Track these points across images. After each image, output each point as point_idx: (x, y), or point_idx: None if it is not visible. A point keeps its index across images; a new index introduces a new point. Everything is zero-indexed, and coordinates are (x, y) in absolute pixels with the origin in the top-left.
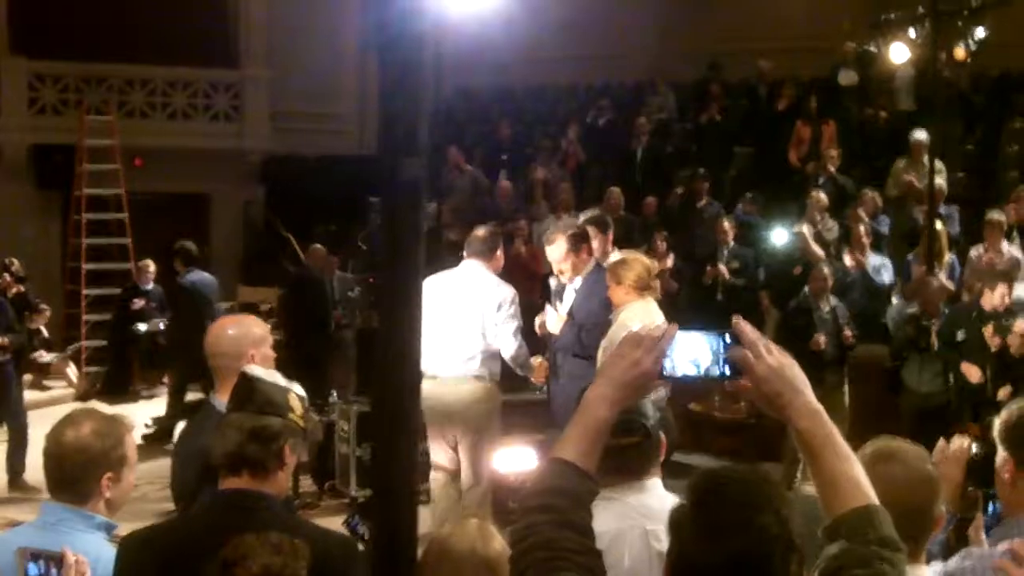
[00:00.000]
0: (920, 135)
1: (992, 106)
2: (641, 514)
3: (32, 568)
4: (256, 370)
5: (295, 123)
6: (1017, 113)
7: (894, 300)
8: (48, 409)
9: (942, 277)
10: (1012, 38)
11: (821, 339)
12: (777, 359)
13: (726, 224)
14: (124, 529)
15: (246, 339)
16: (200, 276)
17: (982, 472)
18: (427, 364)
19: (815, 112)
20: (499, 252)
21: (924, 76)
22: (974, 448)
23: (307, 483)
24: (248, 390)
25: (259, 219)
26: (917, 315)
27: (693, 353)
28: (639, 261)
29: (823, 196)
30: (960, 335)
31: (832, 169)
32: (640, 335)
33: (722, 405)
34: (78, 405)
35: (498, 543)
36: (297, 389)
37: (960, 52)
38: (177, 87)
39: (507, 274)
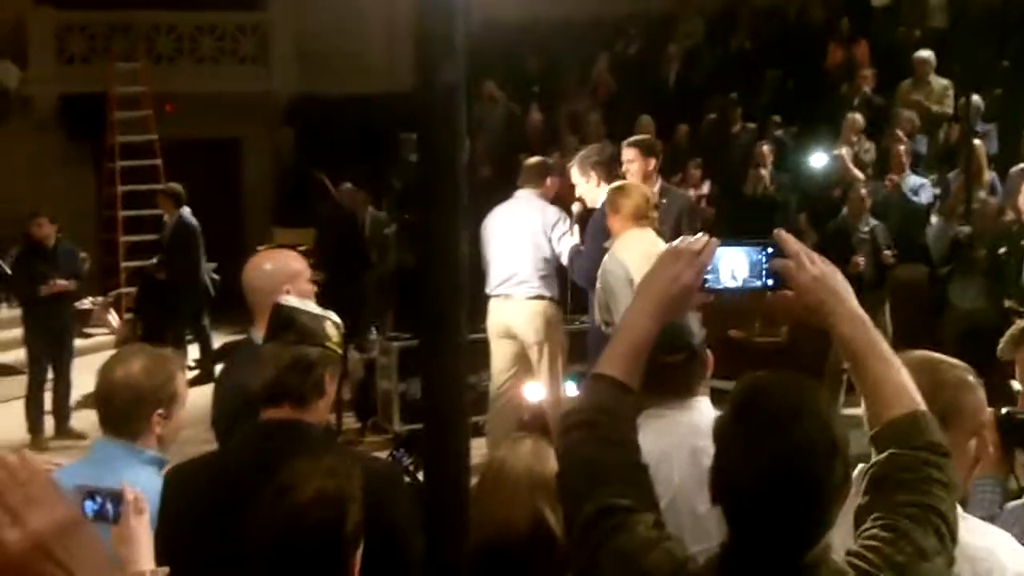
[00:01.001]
0: (925, 53)
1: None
2: (689, 431)
3: (89, 505)
4: (290, 300)
5: (323, 63)
6: None
7: (932, 220)
8: (90, 357)
9: (982, 195)
10: None
11: (860, 260)
12: (820, 268)
13: (764, 148)
14: None
15: (280, 274)
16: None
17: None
18: (496, 286)
19: (847, 33)
20: (549, 180)
21: None
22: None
23: (349, 420)
24: (283, 320)
25: (290, 161)
26: (963, 235)
27: (734, 266)
28: (637, 190)
29: (859, 118)
30: (1003, 251)
31: (867, 90)
32: (680, 248)
33: (762, 331)
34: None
35: (554, 462)
36: (332, 316)
37: None
38: (203, 31)
39: None
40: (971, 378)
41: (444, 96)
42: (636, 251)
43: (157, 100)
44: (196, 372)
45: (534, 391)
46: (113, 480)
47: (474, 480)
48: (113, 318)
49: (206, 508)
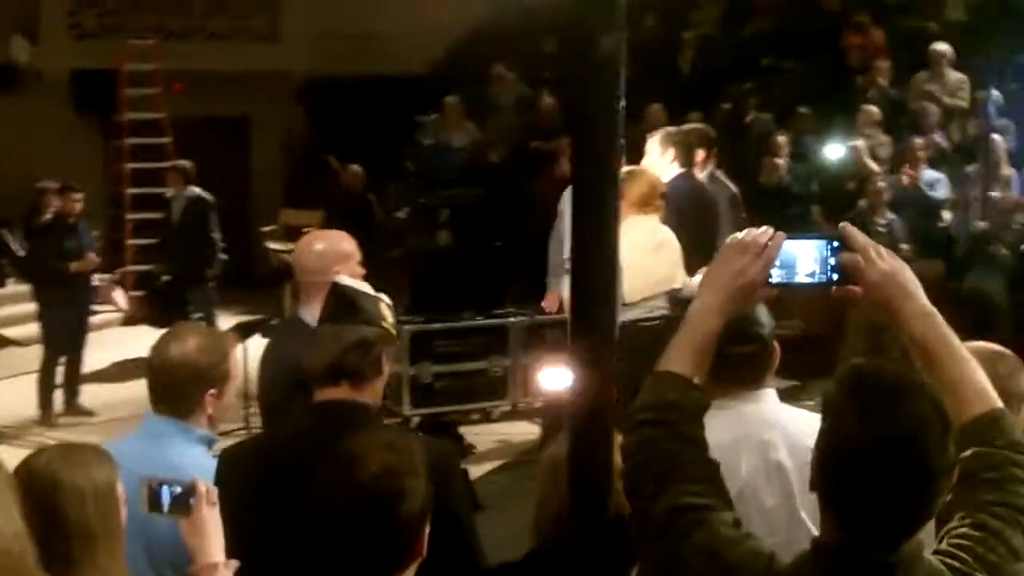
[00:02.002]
0: (941, 46)
1: None
2: (757, 423)
3: (165, 494)
4: (346, 280)
5: (337, 43)
6: None
7: (946, 216)
8: (97, 333)
9: (995, 193)
10: None
11: None
12: (889, 263)
13: (780, 138)
14: None
15: (330, 255)
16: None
17: None
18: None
19: (863, 24)
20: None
21: None
22: None
23: None
24: (341, 300)
25: (300, 141)
26: (980, 230)
27: (799, 260)
28: (645, 176)
29: (874, 110)
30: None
31: (883, 82)
32: (746, 242)
33: (777, 323)
34: (126, 329)
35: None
36: (385, 298)
37: None
38: (216, 8)
39: (552, 196)
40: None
41: (603, 73)
42: (633, 238)
43: (168, 78)
44: None
45: (554, 377)
46: (163, 457)
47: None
48: (119, 296)
49: (264, 488)
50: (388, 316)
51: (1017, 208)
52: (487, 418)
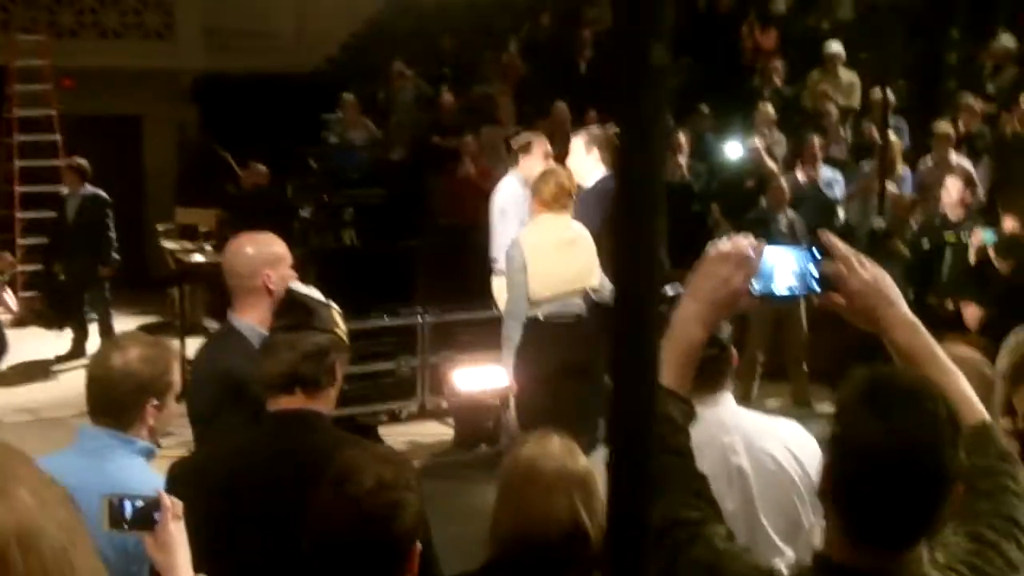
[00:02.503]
0: (835, 47)
1: (930, 15)
2: (717, 427)
3: (127, 509)
4: (298, 286)
5: (230, 40)
6: (954, 23)
7: (840, 214)
8: None
9: (892, 188)
10: None
11: None
12: (871, 272)
13: (681, 136)
14: None
15: (259, 259)
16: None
17: None
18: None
19: (756, 24)
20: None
21: None
22: None
23: None
24: (294, 307)
25: (194, 140)
26: (879, 227)
27: (779, 269)
28: (556, 176)
29: (770, 109)
30: (925, 243)
31: (777, 81)
32: (727, 252)
33: None
34: (17, 332)
35: (583, 459)
36: (333, 304)
37: None
38: (107, 4)
39: (456, 195)
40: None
41: (655, 81)
42: (540, 237)
43: (58, 74)
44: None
45: (467, 377)
46: (103, 471)
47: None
48: (8, 297)
49: (224, 501)
50: (340, 322)
51: (913, 205)
52: (396, 418)
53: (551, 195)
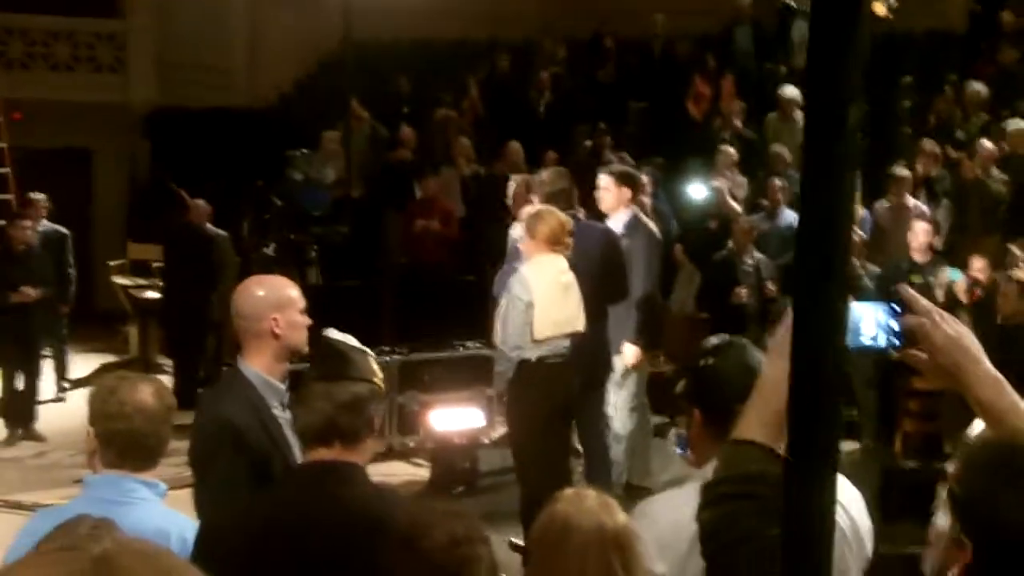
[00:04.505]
0: (790, 91)
1: (882, 64)
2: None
3: None
4: (334, 333)
5: (182, 75)
6: (906, 71)
7: None
8: None
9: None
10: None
11: (742, 291)
12: (954, 327)
13: (644, 178)
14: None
15: (266, 302)
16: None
17: None
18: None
19: (713, 68)
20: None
21: None
22: None
23: None
24: (332, 356)
25: (145, 174)
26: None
27: (861, 323)
28: (554, 216)
29: (732, 151)
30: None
31: (737, 124)
32: None
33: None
34: None
35: (623, 515)
36: (370, 352)
37: (880, 8)
38: (59, 37)
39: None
40: None
41: (848, 144)
42: (545, 277)
43: (7, 106)
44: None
45: (443, 418)
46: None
47: None
48: None
49: (263, 555)
50: (378, 371)
51: (864, 247)
52: (391, 454)
53: (550, 235)
